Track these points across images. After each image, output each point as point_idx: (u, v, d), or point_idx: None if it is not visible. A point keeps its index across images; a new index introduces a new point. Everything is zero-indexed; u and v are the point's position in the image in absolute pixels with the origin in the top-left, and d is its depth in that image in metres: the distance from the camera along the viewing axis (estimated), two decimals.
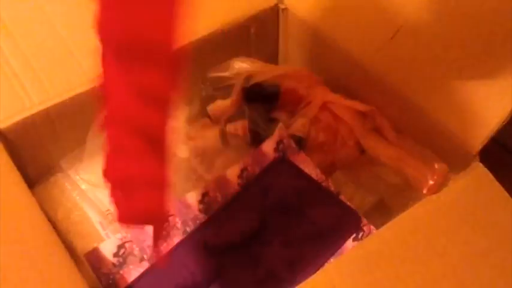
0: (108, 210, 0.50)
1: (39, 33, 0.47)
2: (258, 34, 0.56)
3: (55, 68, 0.46)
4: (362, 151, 0.55)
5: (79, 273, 0.41)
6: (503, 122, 0.48)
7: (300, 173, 0.51)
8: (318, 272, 0.41)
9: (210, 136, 0.54)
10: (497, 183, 0.46)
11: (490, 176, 0.47)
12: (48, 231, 0.42)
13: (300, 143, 0.53)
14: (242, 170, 0.50)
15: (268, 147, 0.51)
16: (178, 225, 0.47)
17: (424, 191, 0.50)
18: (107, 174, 0.35)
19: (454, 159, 0.49)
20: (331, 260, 0.46)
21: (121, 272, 0.46)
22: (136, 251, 0.46)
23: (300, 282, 0.41)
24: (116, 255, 0.46)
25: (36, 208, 0.43)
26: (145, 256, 0.46)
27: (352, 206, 0.50)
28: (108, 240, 0.47)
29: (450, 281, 0.41)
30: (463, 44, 0.50)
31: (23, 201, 0.43)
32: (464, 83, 0.50)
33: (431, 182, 0.50)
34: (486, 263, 0.42)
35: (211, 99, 0.56)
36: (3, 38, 0.46)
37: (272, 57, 0.61)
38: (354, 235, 0.48)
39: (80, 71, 0.46)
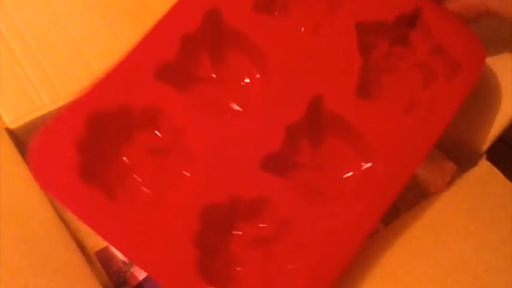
0: None
1: (49, 34, 0.47)
2: None
3: (65, 68, 0.46)
4: None
5: (91, 271, 0.41)
6: (510, 121, 0.48)
7: None
8: None
9: None
10: (506, 180, 0.46)
11: (499, 173, 0.47)
12: (60, 229, 0.43)
13: None
14: None
15: None
16: None
17: (432, 190, 0.50)
18: None
19: (461, 158, 0.50)
20: None
21: (131, 270, 0.46)
22: None
23: None
24: None
25: (48, 207, 0.43)
26: None
27: None
28: None
29: (462, 272, 0.42)
30: None
31: (34, 200, 0.43)
32: None
33: (439, 181, 0.50)
34: (498, 255, 0.43)
35: None
36: (13, 38, 0.47)
37: None
38: None
39: (90, 71, 0.47)
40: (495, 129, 0.48)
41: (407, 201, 0.51)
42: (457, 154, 0.50)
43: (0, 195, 0.42)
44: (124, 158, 0.43)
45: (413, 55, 0.47)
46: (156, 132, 0.43)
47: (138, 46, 0.43)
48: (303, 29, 0.46)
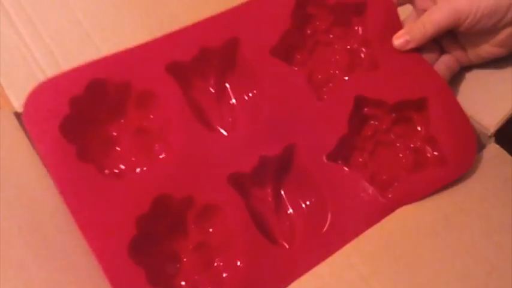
0: None
1: (58, 18, 0.47)
2: None
3: (74, 53, 0.46)
4: None
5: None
6: None
7: None
8: (336, 252, 0.42)
9: None
10: None
11: (507, 155, 0.47)
12: (68, 219, 0.41)
13: None
14: None
15: None
16: None
17: None
18: None
19: None
20: None
21: None
22: None
23: None
24: None
25: (56, 195, 0.42)
26: None
27: None
28: None
29: (471, 255, 0.42)
30: None
31: (42, 188, 0.42)
32: (479, 64, 0.51)
33: None
34: (507, 238, 0.43)
35: None
36: (22, 23, 0.47)
37: None
38: None
39: (98, 56, 0.46)
40: (503, 111, 0.48)
41: None
42: None
43: (7, 181, 0.41)
44: (112, 129, 0.45)
45: (412, 137, 0.49)
46: (149, 114, 0.46)
47: (160, 39, 0.46)
48: (306, 84, 0.48)
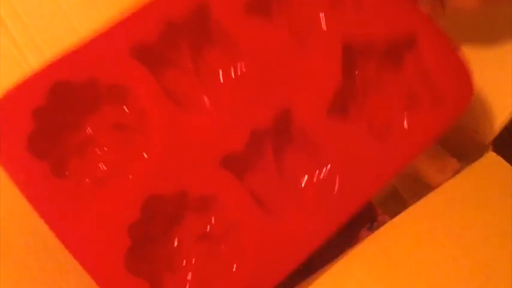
0: None
1: (45, 13, 0.47)
2: None
3: (61, 48, 0.45)
4: None
5: None
6: None
7: None
8: (335, 261, 0.41)
9: None
10: None
11: (505, 163, 0.47)
12: None
13: None
14: None
15: None
16: None
17: (434, 186, 0.50)
18: None
19: (467, 148, 0.50)
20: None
21: None
22: None
23: (315, 271, 0.41)
24: None
25: None
26: None
27: None
28: None
29: (469, 261, 0.42)
30: None
31: None
32: (476, 72, 0.51)
33: (440, 178, 0.50)
34: (505, 244, 0.42)
35: None
36: (16, 27, 0.47)
37: None
38: (368, 225, 0.48)
39: None
40: (501, 119, 0.48)
41: (413, 192, 0.51)
42: (462, 145, 0.50)
43: (6, 181, 0.39)
44: (88, 129, 0.42)
45: (403, 78, 0.47)
46: (123, 107, 0.43)
47: (117, 23, 0.42)
48: (289, 39, 0.45)
